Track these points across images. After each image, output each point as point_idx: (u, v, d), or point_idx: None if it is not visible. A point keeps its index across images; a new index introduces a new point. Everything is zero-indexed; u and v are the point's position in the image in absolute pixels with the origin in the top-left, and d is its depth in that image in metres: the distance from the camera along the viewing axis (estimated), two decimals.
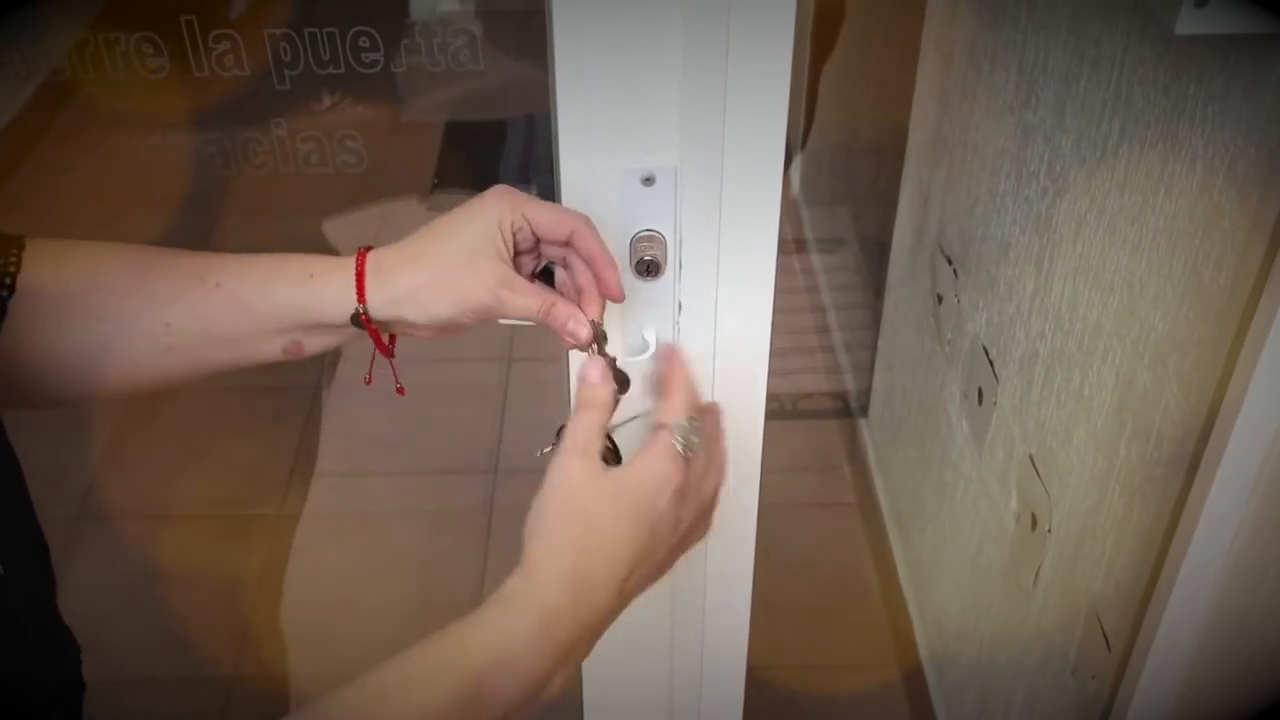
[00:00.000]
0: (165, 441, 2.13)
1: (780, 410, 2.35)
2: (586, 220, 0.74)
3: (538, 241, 0.75)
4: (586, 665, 1.06)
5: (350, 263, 0.73)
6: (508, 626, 0.63)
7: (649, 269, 0.79)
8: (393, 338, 0.77)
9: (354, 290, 0.72)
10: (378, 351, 0.77)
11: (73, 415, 2.02)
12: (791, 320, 2.50)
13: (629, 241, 0.79)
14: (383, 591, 1.93)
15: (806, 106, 2.60)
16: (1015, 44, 1.34)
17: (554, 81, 0.73)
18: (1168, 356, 1.01)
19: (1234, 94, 0.90)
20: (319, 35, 1.00)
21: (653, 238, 0.79)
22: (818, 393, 2.38)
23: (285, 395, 2.14)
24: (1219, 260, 0.93)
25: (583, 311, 0.74)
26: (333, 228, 1.82)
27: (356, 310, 0.72)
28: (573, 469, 0.67)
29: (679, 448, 0.68)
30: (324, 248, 1.85)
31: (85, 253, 0.74)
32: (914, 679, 1.83)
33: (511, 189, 0.74)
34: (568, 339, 0.74)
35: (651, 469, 0.67)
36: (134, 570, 2.00)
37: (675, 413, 0.70)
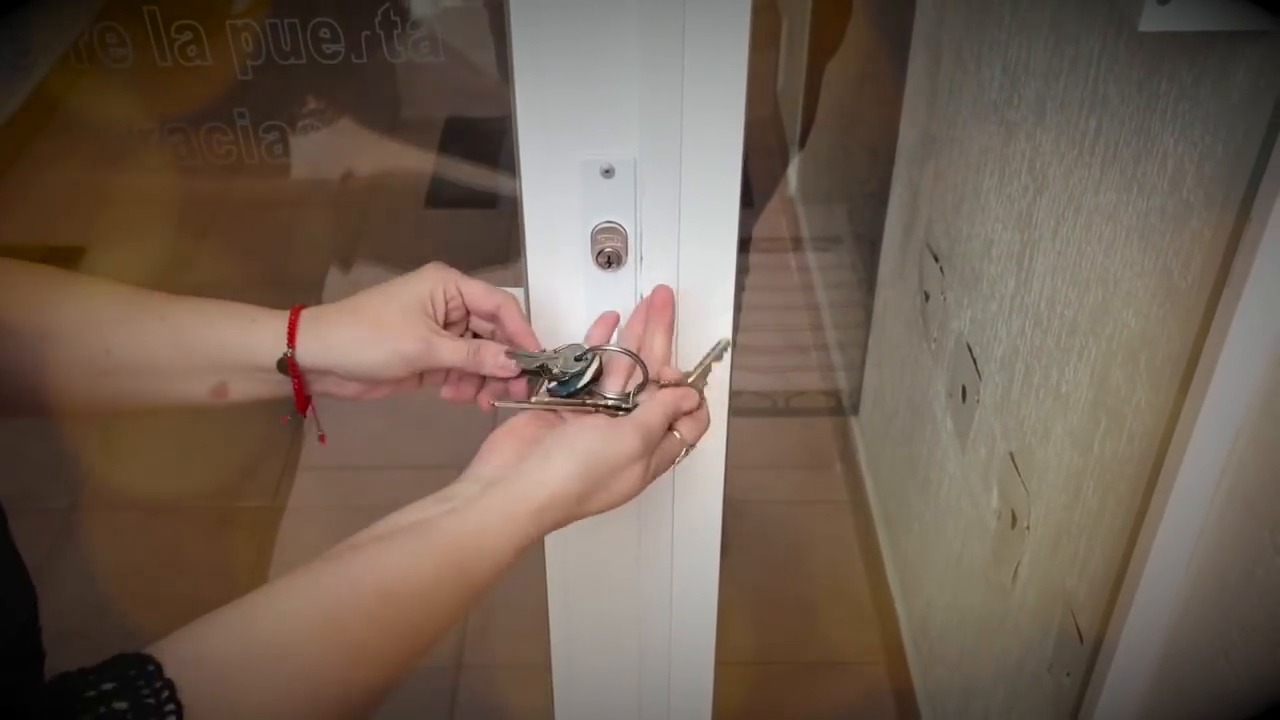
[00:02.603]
0: (158, 434, 2.14)
1: (773, 408, 2.35)
2: (512, 298, 0.81)
3: (467, 314, 0.82)
4: (557, 664, 1.07)
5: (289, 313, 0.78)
6: (484, 520, 0.71)
7: (610, 260, 0.80)
8: (309, 401, 0.81)
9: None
10: (295, 404, 0.81)
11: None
12: (786, 318, 2.50)
13: (589, 234, 0.80)
14: None
15: (806, 105, 2.60)
16: (1000, 42, 1.35)
17: (513, 74, 0.74)
18: (1139, 354, 1.02)
19: (1203, 91, 0.90)
20: (280, 26, 1.01)
21: (613, 229, 0.80)
22: (811, 390, 2.38)
23: None
24: (1188, 258, 0.93)
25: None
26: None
27: (285, 354, 0.76)
28: (631, 448, 0.75)
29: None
30: (315, 248, 1.86)
31: (30, 273, 0.76)
32: (900, 676, 1.84)
33: (445, 265, 0.81)
34: (500, 373, 0.80)
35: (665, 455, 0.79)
36: (127, 561, 2.01)
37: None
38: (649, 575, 0.99)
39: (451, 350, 0.78)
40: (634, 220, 0.79)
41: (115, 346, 0.75)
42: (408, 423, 2.17)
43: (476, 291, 0.80)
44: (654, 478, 0.80)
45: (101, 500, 2.14)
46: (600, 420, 0.77)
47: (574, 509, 0.75)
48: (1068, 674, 1.16)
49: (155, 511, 2.12)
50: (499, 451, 0.77)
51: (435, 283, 0.79)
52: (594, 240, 0.80)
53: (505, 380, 0.81)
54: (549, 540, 0.99)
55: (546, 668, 1.11)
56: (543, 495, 0.73)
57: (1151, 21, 0.81)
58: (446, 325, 0.81)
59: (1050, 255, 1.21)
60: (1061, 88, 1.16)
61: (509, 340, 0.81)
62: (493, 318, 0.82)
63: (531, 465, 0.74)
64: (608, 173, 0.77)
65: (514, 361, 0.80)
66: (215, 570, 1.97)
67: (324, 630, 0.63)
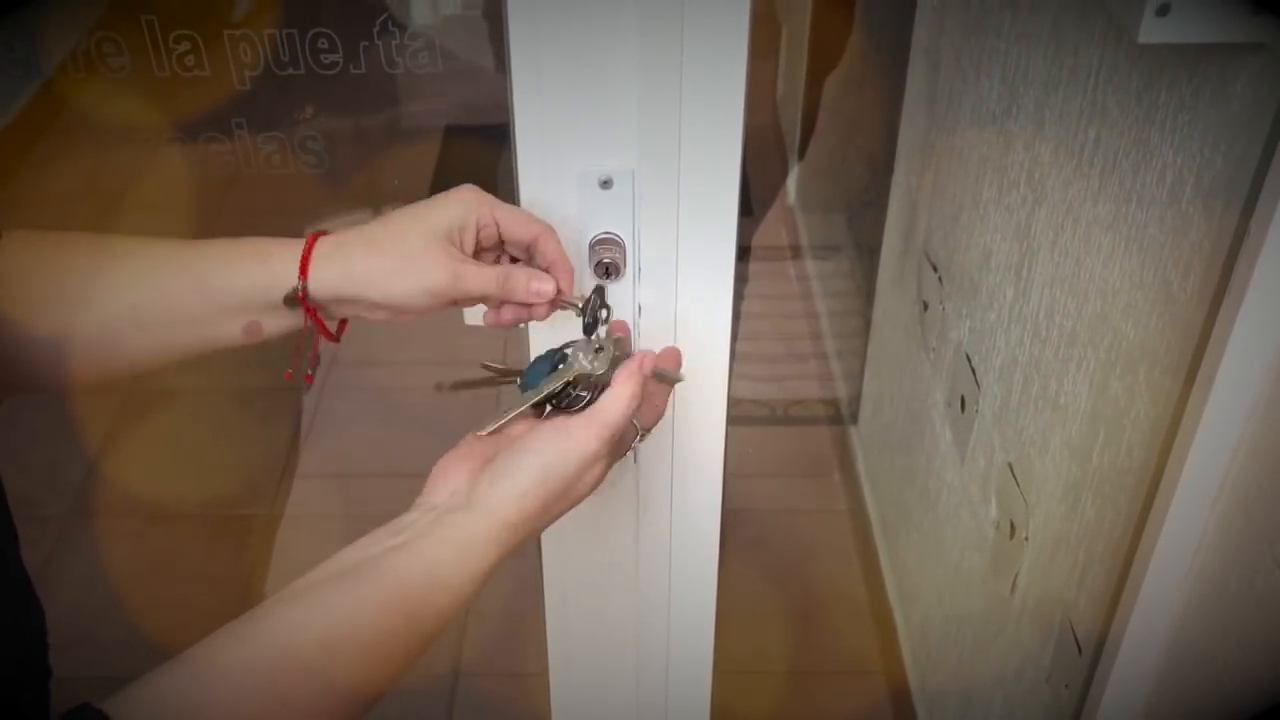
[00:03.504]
0: (156, 441, 2.14)
1: (772, 416, 2.35)
2: (550, 228, 0.76)
3: (501, 242, 0.77)
4: (555, 671, 1.07)
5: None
6: (437, 554, 0.68)
7: (608, 271, 0.80)
8: (343, 323, 0.78)
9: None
10: (321, 336, 0.77)
11: (65, 414, 2.04)
12: (785, 326, 2.50)
13: (588, 244, 0.80)
14: None
15: (805, 113, 2.60)
16: (999, 52, 1.35)
17: (512, 85, 0.74)
18: (1138, 365, 1.01)
19: (1202, 103, 0.90)
20: (279, 36, 1.01)
21: (611, 240, 0.80)
22: (810, 399, 2.38)
23: (276, 396, 2.15)
24: (1187, 269, 0.93)
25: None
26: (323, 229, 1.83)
27: (295, 288, 0.72)
28: (591, 450, 0.72)
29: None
30: None
31: (53, 241, 0.75)
32: (898, 686, 1.83)
33: (480, 190, 0.76)
34: (534, 299, 0.76)
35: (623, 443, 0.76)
36: (124, 568, 2.01)
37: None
38: (647, 583, 0.99)
39: (480, 280, 0.74)
40: (632, 231, 0.80)
41: (141, 301, 0.74)
42: (407, 429, 2.17)
43: (513, 220, 0.75)
44: (610, 466, 0.77)
45: (99, 507, 2.14)
46: (556, 425, 0.73)
47: (536, 524, 0.71)
48: (1066, 685, 1.16)
49: (153, 519, 2.12)
50: (451, 475, 0.72)
51: (467, 209, 0.74)
52: (592, 251, 0.80)
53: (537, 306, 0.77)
54: (547, 547, 0.99)
55: (544, 676, 1.11)
56: (500, 519, 0.69)
57: (1151, 33, 0.81)
58: (478, 252, 0.77)
59: (1049, 266, 1.21)
60: (1060, 98, 1.16)
61: (547, 267, 0.77)
62: (528, 248, 0.77)
63: (486, 488, 0.70)
64: (606, 184, 0.77)
65: (549, 283, 0.75)
66: (213, 578, 1.97)
67: (268, 689, 0.61)
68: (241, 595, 1.97)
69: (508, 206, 0.76)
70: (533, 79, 0.73)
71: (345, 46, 1.04)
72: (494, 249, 0.78)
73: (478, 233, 0.75)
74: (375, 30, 1.07)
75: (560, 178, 0.77)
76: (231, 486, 2.14)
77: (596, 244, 0.80)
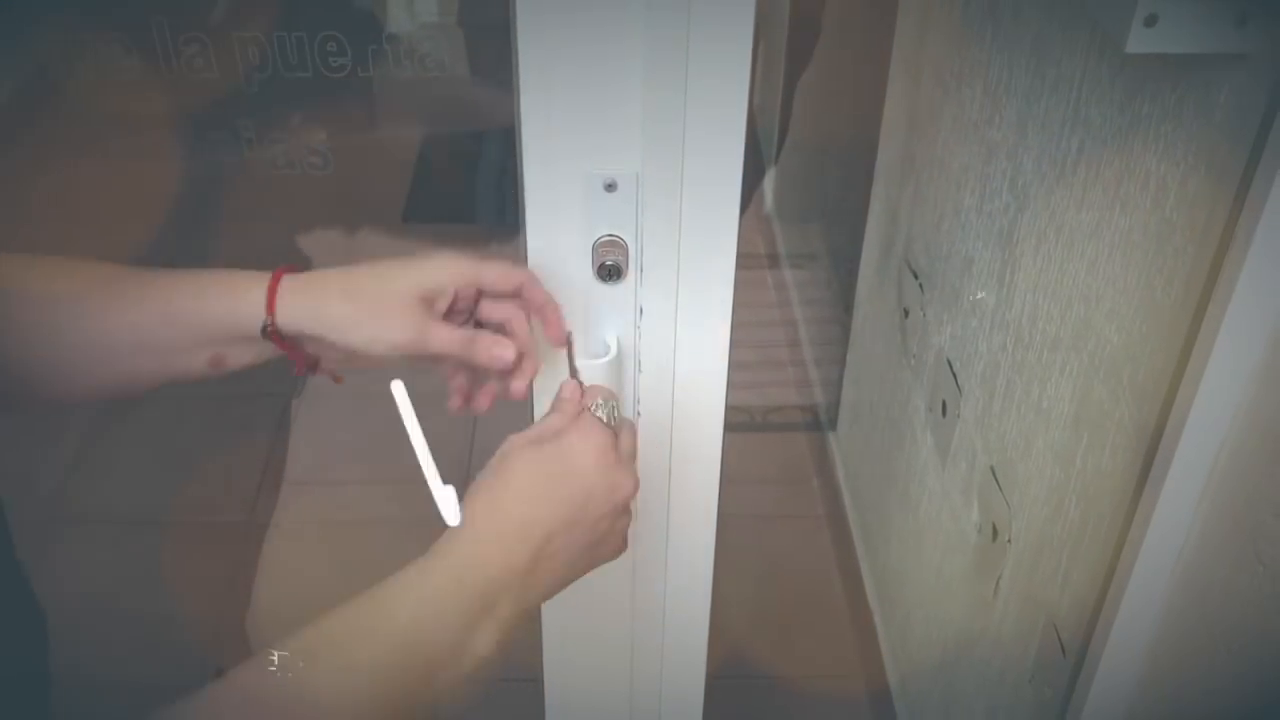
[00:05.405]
0: (136, 448, 2.13)
1: (750, 423, 2.36)
2: (531, 274, 0.80)
3: (476, 300, 0.80)
4: (549, 671, 1.07)
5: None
6: (426, 583, 0.69)
7: (610, 273, 0.81)
8: (317, 362, 0.80)
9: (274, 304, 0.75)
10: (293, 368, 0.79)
11: (44, 421, 2.02)
12: (762, 334, 2.52)
13: (591, 246, 0.81)
14: None
15: (781, 119, 2.63)
16: (981, 63, 1.37)
17: (519, 89, 0.74)
18: (1122, 369, 1.03)
19: (1185, 113, 0.92)
20: (288, 39, 1.01)
21: (614, 242, 0.81)
22: (787, 406, 2.39)
23: (256, 403, 2.15)
24: (1170, 275, 0.95)
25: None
26: (309, 241, 1.83)
27: (265, 323, 0.74)
28: (523, 454, 0.73)
29: (602, 416, 0.76)
30: (298, 256, 1.86)
31: (23, 266, 0.76)
32: (878, 690, 1.85)
33: (461, 257, 0.79)
34: (496, 364, 0.78)
35: (578, 434, 0.73)
36: (104, 576, 1.99)
37: (592, 395, 0.77)
38: (642, 588, 0.99)
39: (446, 340, 0.76)
40: (635, 234, 0.81)
41: (110, 328, 0.75)
42: (388, 437, 2.16)
43: (495, 276, 0.78)
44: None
45: (77, 514, 2.13)
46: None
47: (536, 545, 0.71)
48: (1049, 686, 1.18)
49: (131, 526, 2.11)
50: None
51: (450, 279, 0.77)
52: (595, 253, 0.81)
53: (503, 378, 0.80)
54: None
55: (528, 680, 1.11)
56: (473, 550, 0.70)
57: (1139, 43, 0.83)
58: (449, 314, 0.79)
59: (1031, 272, 1.23)
60: (1043, 108, 1.18)
61: (536, 314, 0.80)
62: (515, 295, 0.80)
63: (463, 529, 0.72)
64: (610, 186, 0.78)
65: (510, 349, 0.77)
66: (193, 586, 1.96)
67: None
68: (221, 603, 1.96)
69: (487, 264, 0.78)
70: (539, 83, 0.74)
71: (354, 50, 1.05)
72: (465, 310, 0.80)
73: (455, 298, 0.78)
74: (384, 36, 1.08)
75: (565, 180, 0.78)
76: (215, 493, 2.12)
77: (600, 246, 0.81)
